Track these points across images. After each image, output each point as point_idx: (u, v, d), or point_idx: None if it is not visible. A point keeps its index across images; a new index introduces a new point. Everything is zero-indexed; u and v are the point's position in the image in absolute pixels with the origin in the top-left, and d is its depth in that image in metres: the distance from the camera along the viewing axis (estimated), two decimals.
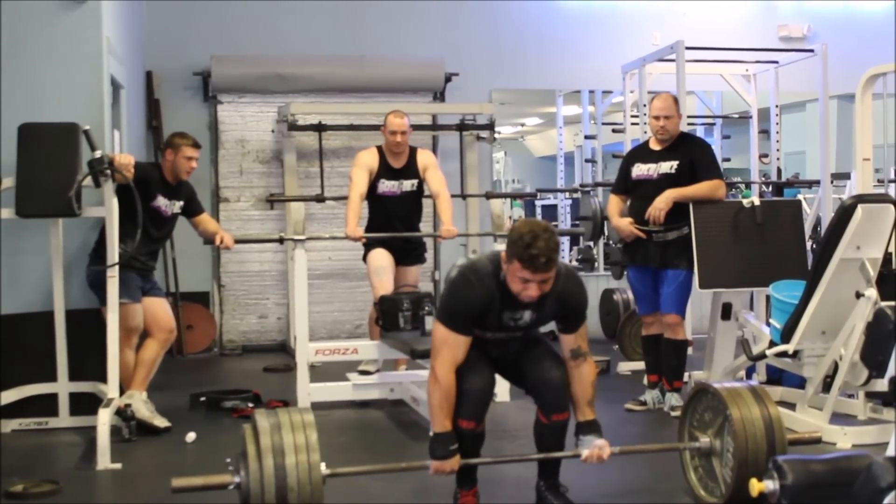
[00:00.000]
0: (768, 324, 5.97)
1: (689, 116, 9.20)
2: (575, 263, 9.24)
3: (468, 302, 3.84)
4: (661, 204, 5.85)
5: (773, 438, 3.94)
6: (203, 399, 6.33)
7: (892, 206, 5.25)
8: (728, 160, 10.82)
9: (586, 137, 11.10)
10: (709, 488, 4.22)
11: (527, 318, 3.97)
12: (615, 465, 5.01)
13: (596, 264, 9.27)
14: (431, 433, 3.96)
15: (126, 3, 7.43)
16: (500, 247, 4.26)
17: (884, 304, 5.09)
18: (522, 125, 15.45)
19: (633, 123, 8.21)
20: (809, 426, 5.29)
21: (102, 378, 5.43)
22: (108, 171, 5.34)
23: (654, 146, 6.07)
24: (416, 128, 7.31)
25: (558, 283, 3.86)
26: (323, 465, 3.59)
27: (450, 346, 3.85)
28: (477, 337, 3.97)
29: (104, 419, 5.01)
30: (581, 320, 4.04)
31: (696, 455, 4.27)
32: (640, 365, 6.91)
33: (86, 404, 5.65)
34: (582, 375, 4.03)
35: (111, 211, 5.41)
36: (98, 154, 5.33)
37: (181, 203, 6.01)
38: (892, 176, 8.56)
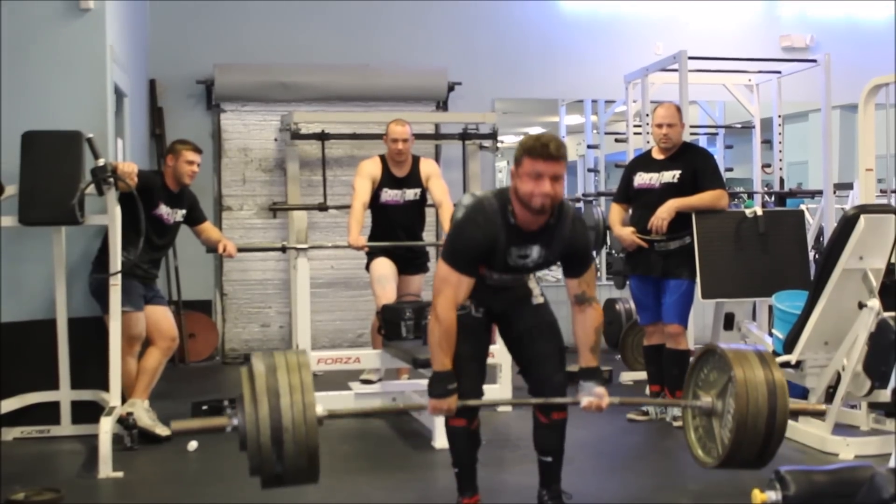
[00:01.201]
0: (771, 334, 5.97)
1: (691, 126, 9.20)
2: None
3: (472, 242, 3.82)
4: (663, 213, 5.84)
5: (776, 404, 3.85)
6: (205, 407, 6.32)
7: (894, 217, 5.24)
8: (730, 170, 10.81)
9: (589, 147, 11.09)
10: (706, 448, 4.15)
11: (534, 256, 3.90)
12: (616, 474, 5.02)
13: (598, 274, 9.26)
14: (431, 372, 3.93)
15: (130, 11, 7.45)
16: None
17: (886, 314, 5.08)
18: (525, 134, 15.42)
19: (635, 133, 8.21)
20: (812, 437, 5.29)
21: (104, 386, 5.43)
22: (111, 180, 5.34)
23: (657, 155, 6.07)
24: (418, 137, 7.32)
25: (566, 224, 3.84)
26: (320, 408, 3.58)
27: (451, 285, 3.82)
28: (482, 278, 3.94)
29: (106, 427, 5.00)
30: (587, 264, 3.98)
31: (698, 414, 4.21)
32: (642, 375, 6.91)
33: (88, 412, 5.66)
34: (586, 320, 3.97)
35: (114, 219, 5.41)
36: (101, 162, 5.34)
37: (183, 211, 6.02)
38: (895, 186, 8.56)
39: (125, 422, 5.42)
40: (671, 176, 5.93)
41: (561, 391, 4.00)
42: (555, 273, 8.46)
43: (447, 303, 3.82)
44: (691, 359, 6.11)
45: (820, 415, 4.29)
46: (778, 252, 6.06)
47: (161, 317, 5.89)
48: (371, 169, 6.46)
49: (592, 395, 3.91)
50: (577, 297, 3.97)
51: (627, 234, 6.02)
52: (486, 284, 4.00)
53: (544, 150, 3.68)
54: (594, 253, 4.06)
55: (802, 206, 8.40)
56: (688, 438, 4.28)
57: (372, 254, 6.49)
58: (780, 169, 8.77)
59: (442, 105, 9.31)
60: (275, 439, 3.44)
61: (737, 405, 3.86)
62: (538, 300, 4.13)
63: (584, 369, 3.97)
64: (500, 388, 6.15)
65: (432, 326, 3.85)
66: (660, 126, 5.97)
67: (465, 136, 8.85)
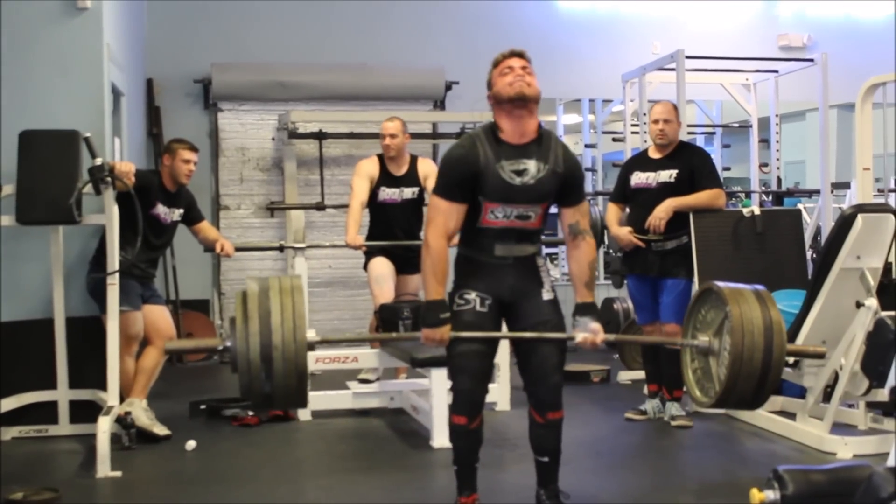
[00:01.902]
0: None
1: (689, 125, 9.22)
2: None
3: (458, 161, 3.86)
4: (661, 213, 5.85)
5: (772, 340, 3.81)
6: (203, 407, 6.33)
7: (892, 216, 5.25)
8: (728, 169, 10.84)
9: (586, 146, 11.11)
10: (704, 389, 4.13)
11: (533, 171, 3.86)
12: (614, 474, 5.02)
13: (596, 273, 9.25)
14: (424, 301, 3.91)
15: (127, 10, 7.45)
16: None
17: (884, 313, 5.08)
18: None
19: (633, 132, 8.22)
20: (810, 436, 5.30)
21: (102, 386, 5.43)
22: (109, 179, 5.34)
23: (654, 155, 6.07)
24: (416, 136, 7.32)
25: (554, 141, 3.94)
26: (312, 332, 3.60)
27: (442, 213, 3.86)
28: (488, 228, 3.90)
29: (104, 427, 4.99)
30: (581, 193, 4.01)
31: (696, 355, 4.18)
32: (640, 374, 6.91)
33: (86, 412, 5.65)
34: (580, 254, 3.98)
35: (111, 218, 5.40)
36: (98, 161, 5.33)
37: (181, 211, 6.01)
38: (893, 185, 8.58)
39: (123, 421, 5.41)
40: (668, 175, 5.93)
41: (556, 392, 3.97)
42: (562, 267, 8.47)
43: (437, 230, 3.86)
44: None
45: (820, 356, 4.24)
46: (775, 251, 6.07)
47: (159, 316, 5.89)
48: (369, 168, 6.46)
49: (588, 330, 3.91)
50: (572, 226, 3.97)
51: (624, 233, 6.02)
52: (494, 237, 3.92)
53: (506, 52, 3.94)
54: (584, 184, 4.01)
55: (800, 206, 8.44)
56: (686, 379, 4.25)
57: (370, 253, 6.49)
58: (778, 168, 8.78)
59: (439, 104, 9.32)
60: (264, 357, 3.45)
61: (732, 340, 3.81)
62: (548, 295, 4.03)
63: (580, 304, 3.97)
64: (498, 387, 6.16)
65: (424, 256, 3.89)
66: (656, 122, 5.97)
67: (462, 135, 8.83)
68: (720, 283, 4.06)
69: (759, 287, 4.02)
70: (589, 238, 4.00)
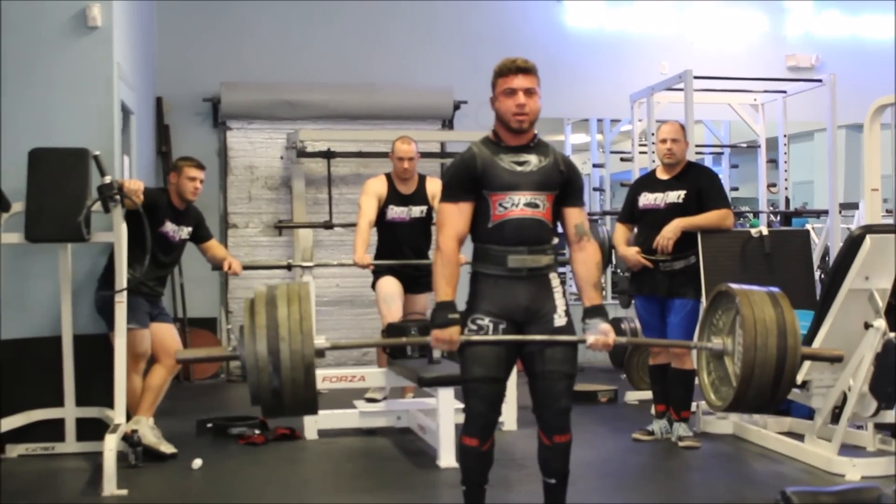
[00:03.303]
0: None
1: (697, 145, 9.21)
2: None
3: (461, 164, 3.90)
4: (669, 233, 5.84)
5: (786, 337, 3.75)
6: (210, 425, 6.32)
7: None
8: (736, 189, 10.84)
9: (594, 166, 11.12)
10: (720, 393, 4.07)
11: (534, 162, 3.90)
12: (621, 494, 5.00)
13: (604, 293, 9.25)
14: (435, 302, 3.92)
15: (137, 29, 7.49)
16: None
17: (893, 334, 5.07)
18: None
19: (641, 152, 8.23)
20: (818, 457, 5.27)
21: (109, 404, 5.43)
22: (118, 197, 5.35)
23: (662, 175, 6.07)
24: (424, 155, 7.34)
25: (551, 147, 3.97)
26: (322, 339, 3.61)
27: (451, 217, 3.88)
28: (499, 223, 3.88)
29: (111, 445, 4.99)
30: (581, 194, 4.06)
31: (711, 359, 4.14)
32: (647, 394, 6.89)
33: (92, 430, 5.64)
34: (587, 258, 3.98)
35: (120, 236, 5.42)
36: (108, 179, 5.34)
37: (189, 229, 6.02)
38: None
39: (130, 439, 5.41)
40: (676, 196, 5.93)
41: (564, 416, 3.95)
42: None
43: (448, 232, 3.88)
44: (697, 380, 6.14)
45: (838, 360, 4.16)
46: (783, 271, 6.05)
47: (166, 334, 5.89)
48: (377, 187, 6.47)
49: (598, 332, 3.92)
50: (577, 227, 3.98)
51: (632, 254, 6.01)
52: (506, 241, 3.88)
53: (512, 65, 3.88)
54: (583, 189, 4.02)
55: (808, 226, 8.43)
56: (701, 384, 4.21)
57: (378, 272, 6.50)
58: (786, 188, 8.78)
59: (448, 123, 9.33)
60: (273, 361, 3.47)
61: (745, 334, 3.76)
62: (560, 321, 3.95)
63: (588, 308, 3.96)
64: (506, 406, 6.13)
65: (435, 258, 3.91)
66: (664, 141, 5.97)
67: None
68: (735, 286, 4.02)
69: (775, 290, 4.00)
70: (592, 240, 4.03)
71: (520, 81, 3.87)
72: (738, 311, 3.85)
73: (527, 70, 3.90)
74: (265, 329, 3.49)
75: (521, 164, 3.90)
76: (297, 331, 3.50)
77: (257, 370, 3.49)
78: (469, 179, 3.87)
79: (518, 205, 3.87)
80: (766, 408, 3.94)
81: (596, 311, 3.96)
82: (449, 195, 3.92)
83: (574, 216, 4.00)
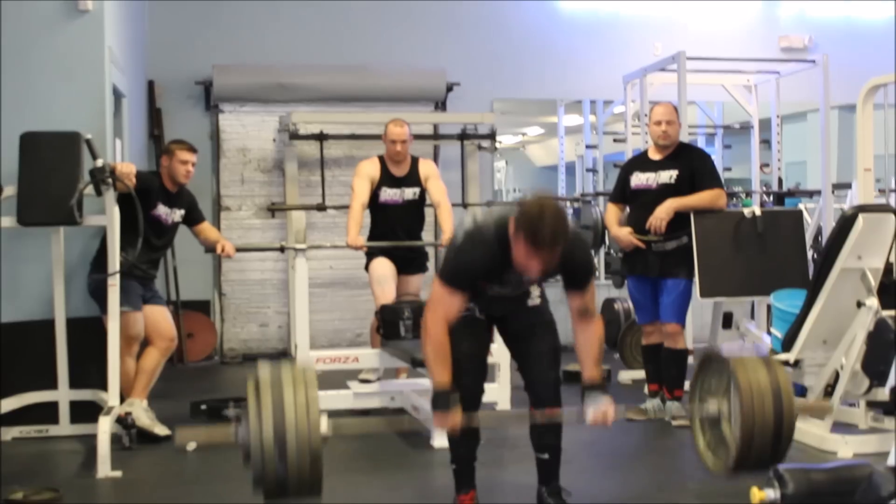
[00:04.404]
0: (769, 333, 5.97)
1: (690, 126, 9.22)
2: None
3: (469, 266, 3.83)
4: (662, 213, 5.85)
5: (781, 407, 3.66)
6: (204, 407, 6.32)
7: (892, 216, 5.25)
8: (729, 170, 10.83)
9: (587, 147, 11.10)
10: (719, 455, 3.97)
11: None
12: (615, 474, 5.03)
13: (597, 273, 9.26)
14: (432, 389, 3.90)
15: (128, 12, 7.46)
16: None
17: (885, 313, 5.09)
18: (524, 135, 15.45)
19: (634, 133, 8.22)
20: (810, 435, 5.30)
21: (103, 386, 5.44)
22: (110, 180, 5.34)
23: (654, 156, 6.07)
24: (417, 137, 7.32)
25: (564, 250, 3.71)
26: (324, 422, 3.58)
27: (445, 303, 3.83)
28: (483, 291, 3.94)
29: (105, 427, 5.00)
30: (588, 279, 3.94)
31: (707, 425, 4.04)
32: (640, 374, 6.91)
33: (86, 412, 5.65)
34: (588, 334, 3.95)
35: (112, 219, 5.41)
36: (99, 163, 5.34)
37: (182, 212, 6.02)
38: (893, 186, 8.57)
39: (124, 421, 5.42)
40: (668, 176, 5.93)
41: (554, 388, 4.03)
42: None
43: (437, 318, 3.83)
44: (690, 359, 6.15)
45: (827, 411, 4.22)
46: (776, 252, 6.07)
47: (160, 317, 5.90)
48: (369, 169, 6.46)
49: (598, 407, 3.84)
50: (580, 310, 3.94)
51: (625, 234, 6.02)
52: (487, 295, 4.00)
53: (537, 240, 3.55)
54: (594, 261, 3.98)
55: (801, 206, 8.42)
56: (698, 450, 4.12)
57: (371, 254, 6.49)
58: (779, 169, 8.79)
59: (440, 105, 9.32)
60: (279, 444, 3.43)
61: (741, 398, 3.68)
62: (535, 301, 4.12)
63: (588, 385, 3.92)
64: (498, 386, 6.14)
65: (425, 343, 3.87)
66: (658, 123, 5.97)
67: (463, 136, 8.88)
68: (724, 351, 3.94)
69: (762, 351, 4.03)
70: (598, 317, 4.00)
71: (543, 256, 3.61)
72: (733, 376, 3.77)
73: (553, 248, 3.58)
74: (271, 414, 3.43)
75: (520, 283, 3.95)
76: (303, 417, 3.45)
77: (262, 457, 3.44)
78: (475, 278, 3.86)
79: (504, 291, 4.00)
80: (769, 464, 3.90)
81: (596, 387, 3.92)
82: (449, 282, 3.84)
83: (577, 299, 3.93)
